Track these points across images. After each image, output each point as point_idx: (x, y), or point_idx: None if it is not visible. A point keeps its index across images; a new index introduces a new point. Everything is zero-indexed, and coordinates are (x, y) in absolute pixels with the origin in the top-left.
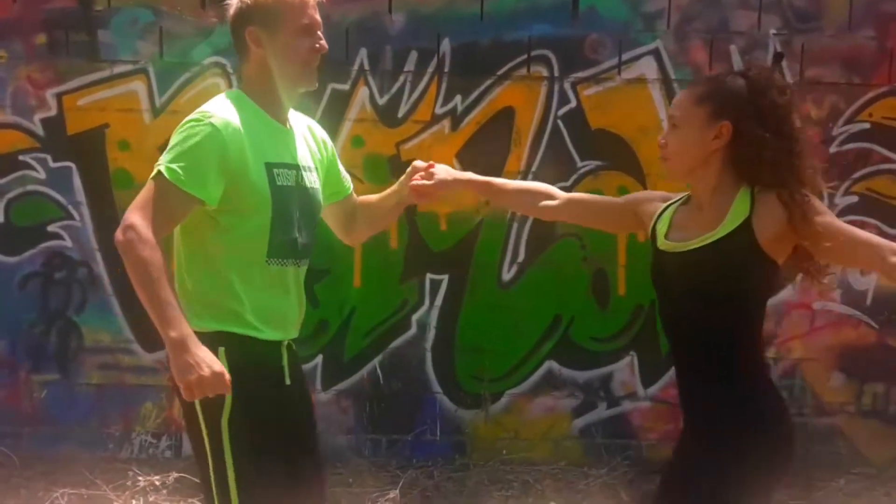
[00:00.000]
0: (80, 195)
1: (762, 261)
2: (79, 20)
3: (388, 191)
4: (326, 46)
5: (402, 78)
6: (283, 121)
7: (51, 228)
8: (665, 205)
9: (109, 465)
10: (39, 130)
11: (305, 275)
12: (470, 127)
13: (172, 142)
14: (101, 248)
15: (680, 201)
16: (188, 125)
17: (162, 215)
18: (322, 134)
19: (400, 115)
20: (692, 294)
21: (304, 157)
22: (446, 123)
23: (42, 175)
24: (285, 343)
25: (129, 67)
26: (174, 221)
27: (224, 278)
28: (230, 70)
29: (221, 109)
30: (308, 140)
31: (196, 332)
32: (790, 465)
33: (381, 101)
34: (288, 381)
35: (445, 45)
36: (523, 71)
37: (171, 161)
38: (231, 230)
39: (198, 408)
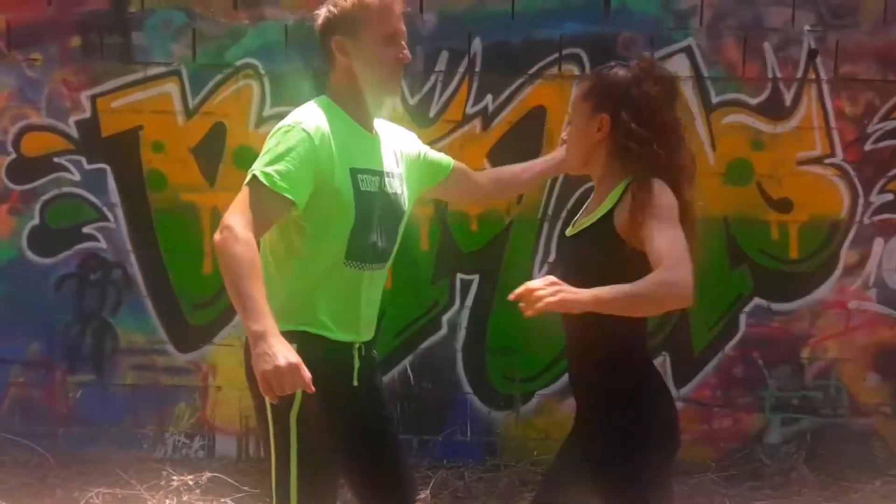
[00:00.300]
0: (115, 197)
1: (619, 249)
2: (113, 22)
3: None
4: (410, 56)
5: (433, 78)
6: (369, 127)
7: (86, 230)
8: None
9: (143, 464)
10: (74, 133)
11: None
12: (501, 126)
13: (266, 147)
14: (136, 250)
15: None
16: (281, 131)
17: (257, 217)
18: (407, 134)
19: (431, 114)
20: (565, 279)
21: (389, 163)
22: (477, 123)
23: (77, 177)
24: (357, 345)
25: (162, 69)
26: (269, 223)
27: (302, 279)
28: (262, 71)
29: (312, 116)
30: (393, 146)
31: None
32: (673, 452)
33: (412, 101)
34: (356, 383)
35: (476, 45)
36: (555, 69)
37: (266, 165)
38: (314, 233)
39: (267, 402)
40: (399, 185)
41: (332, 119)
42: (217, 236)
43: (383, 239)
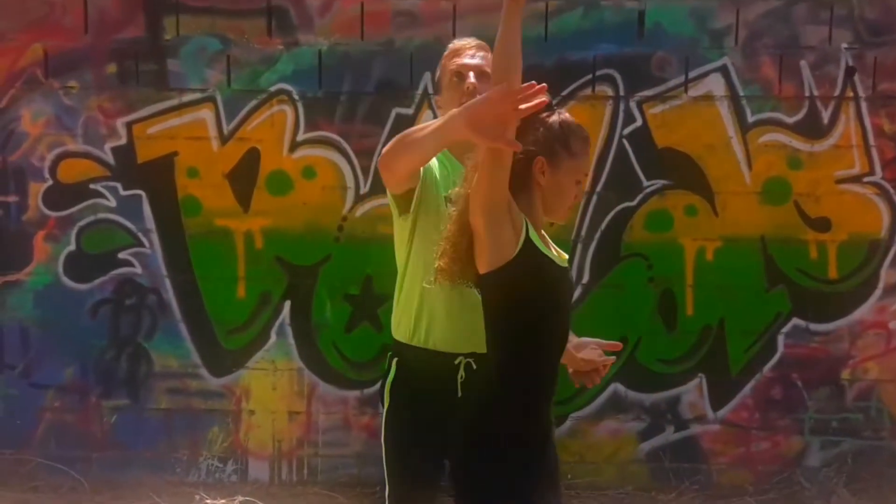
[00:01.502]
0: (150, 223)
1: None
2: (148, 50)
3: None
4: (474, 85)
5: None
6: (458, 155)
7: (121, 255)
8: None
9: (177, 489)
10: (110, 159)
11: (373, 300)
12: None
13: None
14: (171, 275)
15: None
16: None
17: None
18: None
19: None
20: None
21: None
22: None
23: (112, 203)
24: (459, 359)
25: (197, 95)
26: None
27: (413, 294)
28: (296, 97)
29: None
30: None
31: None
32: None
33: None
34: (460, 394)
35: None
36: (588, 91)
37: None
38: (421, 250)
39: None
40: None
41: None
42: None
43: None
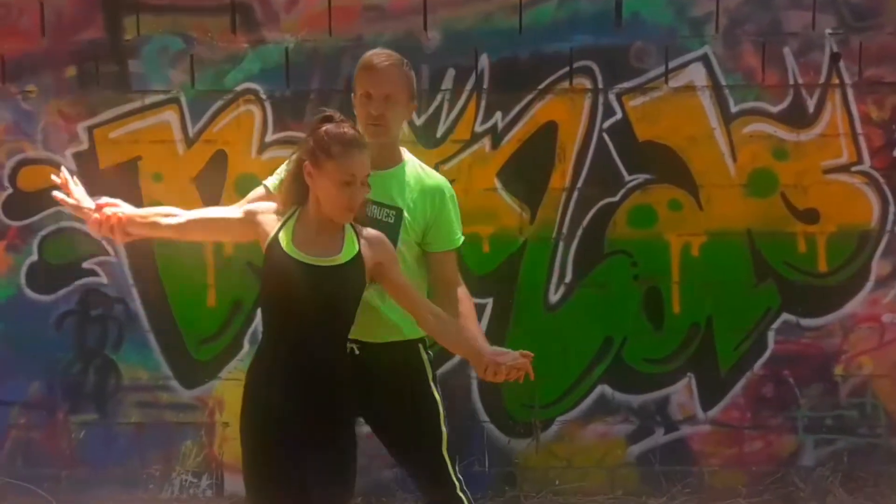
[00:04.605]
0: None
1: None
2: (108, 51)
3: (472, 345)
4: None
5: (439, 97)
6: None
7: (86, 265)
8: (285, 217)
9: None
10: (72, 165)
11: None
12: (511, 144)
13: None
14: (138, 284)
15: (294, 218)
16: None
17: None
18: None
19: (438, 134)
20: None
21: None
22: (486, 142)
23: None
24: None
25: (160, 97)
26: None
27: None
28: (263, 96)
29: None
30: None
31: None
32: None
33: (419, 122)
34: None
35: (483, 61)
36: (566, 84)
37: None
38: None
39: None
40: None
41: None
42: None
43: None
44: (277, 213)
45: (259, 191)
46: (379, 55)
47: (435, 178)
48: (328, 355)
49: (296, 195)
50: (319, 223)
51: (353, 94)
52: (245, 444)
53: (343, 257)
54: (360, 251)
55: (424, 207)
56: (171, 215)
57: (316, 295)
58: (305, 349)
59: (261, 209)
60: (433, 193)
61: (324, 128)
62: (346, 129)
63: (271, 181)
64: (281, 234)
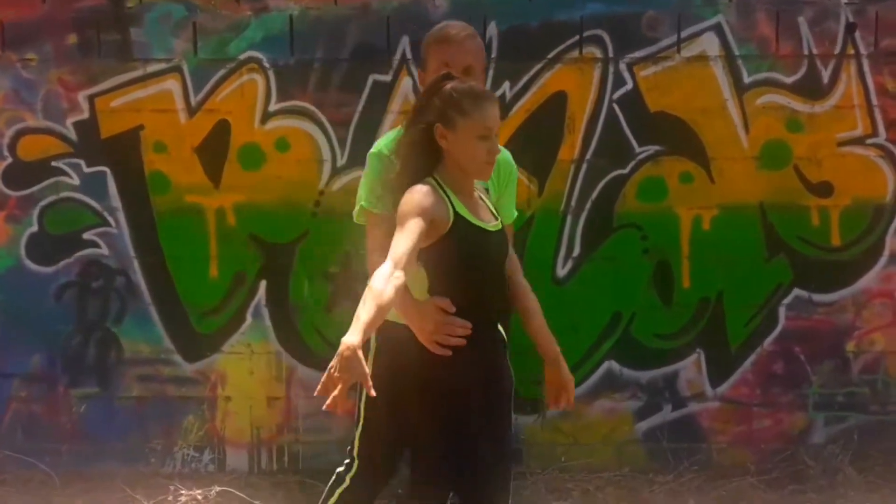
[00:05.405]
0: (116, 201)
1: None
2: (110, 18)
3: (544, 340)
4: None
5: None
6: None
7: (86, 236)
8: (440, 191)
9: (151, 480)
10: (72, 135)
11: (354, 278)
12: (520, 114)
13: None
14: (139, 256)
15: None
16: None
17: None
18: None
19: None
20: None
21: None
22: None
23: (76, 181)
24: None
25: (162, 66)
26: None
27: None
28: (266, 65)
29: None
30: None
31: None
32: None
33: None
34: None
35: (492, 29)
36: (575, 53)
37: None
38: None
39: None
40: None
41: None
42: None
43: None
44: (429, 185)
45: (374, 221)
46: (455, 27)
47: (503, 150)
48: (506, 324)
49: (426, 166)
50: (466, 187)
51: (421, 68)
52: (442, 412)
53: (499, 221)
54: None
55: (498, 180)
56: (385, 294)
57: (500, 261)
58: (496, 319)
59: (425, 202)
60: (504, 166)
61: (449, 86)
62: (472, 84)
63: (367, 200)
64: (457, 207)
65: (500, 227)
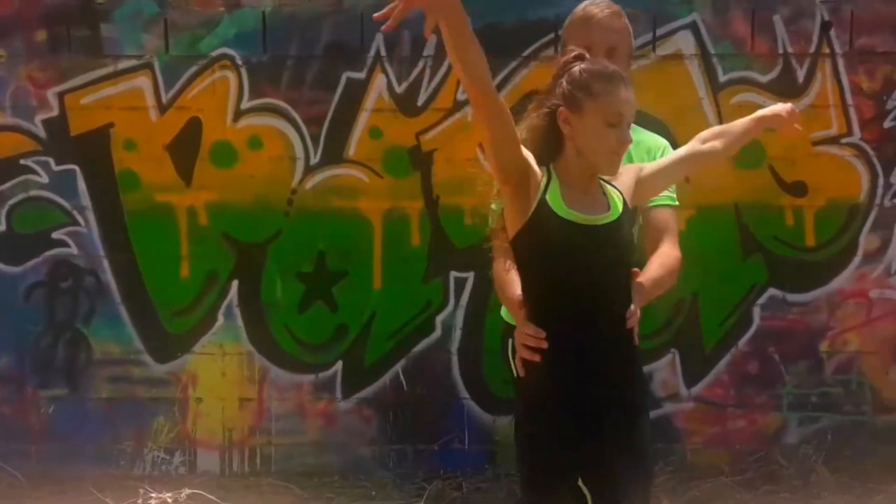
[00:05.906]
0: (86, 199)
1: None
2: (80, 14)
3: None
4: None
5: (420, 64)
6: None
7: (55, 235)
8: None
9: (121, 482)
10: (41, 132)
11: (327, 278)
12: None
13: None
14: (109, 255)
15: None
16: None
17: None
18: None
19: (419, 103)
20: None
21: None
22: (469, 110)
23: (45, 179)
24: None
25: (133, 63)
26: None
27: None
28: (239, 62)
29: None
30: None
31: None
32: None
33: (400, 90)
34: None
35: None
36: (550, 51)
37: None
38: None
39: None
40: None
41: None
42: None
43: None
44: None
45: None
46: (598, 4)
47: (653, 134)
48: (618, 328)
49: (545, 155)
50: (583, 179)
51: (559, 53)
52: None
53: (614, 212)
54: (625, 200)
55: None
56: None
57: (601, 259)
58: (596, 324)
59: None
60: (656, 151)
61: (578, 66)
62: (606, 64)
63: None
64: (548, 197)
65: (617, 215)
